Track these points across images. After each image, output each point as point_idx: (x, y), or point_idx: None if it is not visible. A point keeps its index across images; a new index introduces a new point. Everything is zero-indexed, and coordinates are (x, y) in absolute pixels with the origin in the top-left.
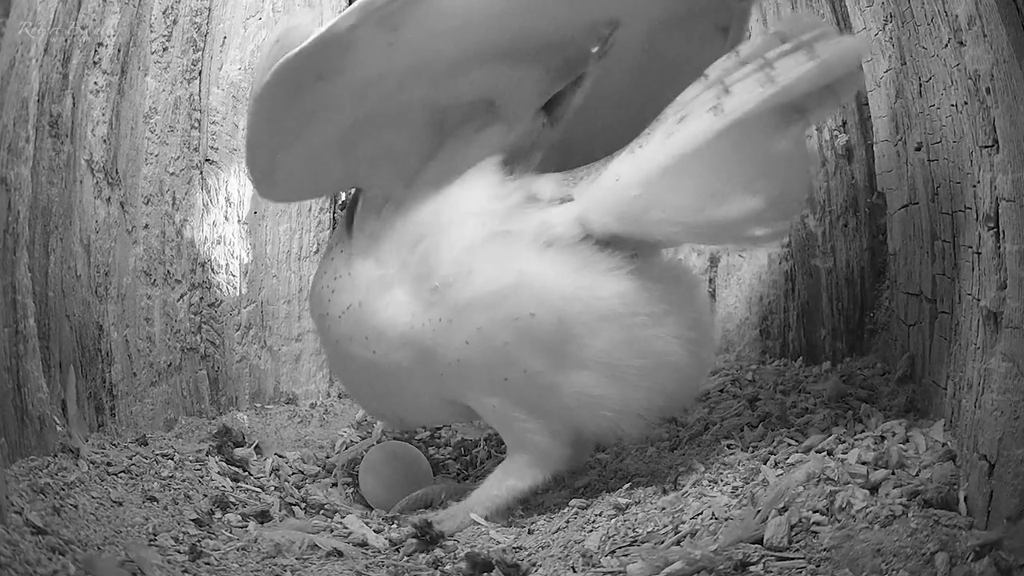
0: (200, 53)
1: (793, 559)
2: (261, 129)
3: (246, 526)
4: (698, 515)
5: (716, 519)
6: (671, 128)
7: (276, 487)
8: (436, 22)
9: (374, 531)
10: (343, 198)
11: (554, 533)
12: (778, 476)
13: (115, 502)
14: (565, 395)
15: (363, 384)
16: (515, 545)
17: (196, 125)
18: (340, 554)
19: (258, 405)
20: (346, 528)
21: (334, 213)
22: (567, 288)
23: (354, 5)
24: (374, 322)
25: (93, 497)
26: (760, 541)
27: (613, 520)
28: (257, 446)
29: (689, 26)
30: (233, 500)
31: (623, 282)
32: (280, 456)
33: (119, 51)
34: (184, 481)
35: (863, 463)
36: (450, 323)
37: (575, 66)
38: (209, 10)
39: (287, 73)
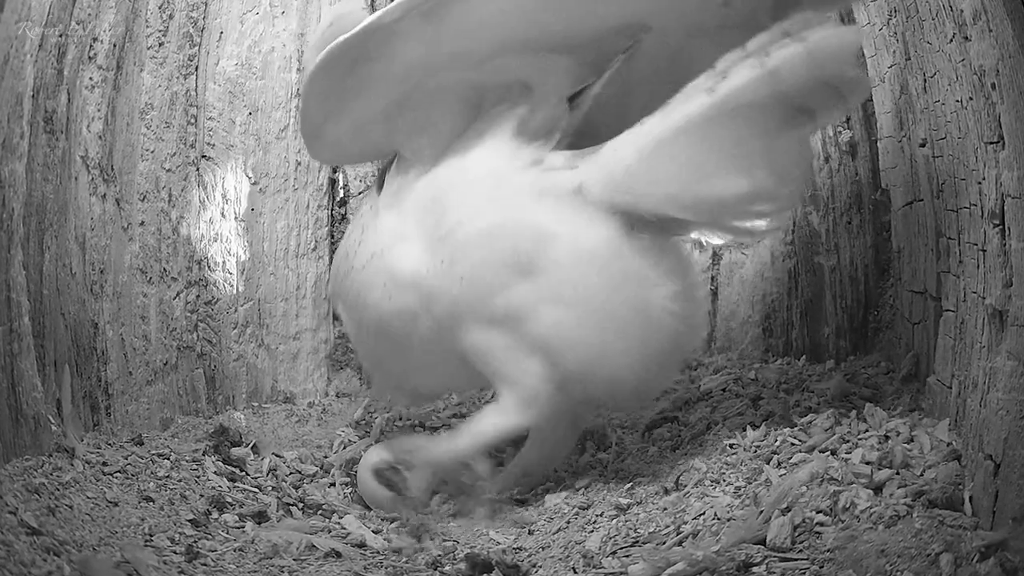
0: (196, 48)
1: (796, 560)
2: (313, 103)
3: (243, 526)
4: (700, 515)
5: (718, 519)
6: (671, 108)
7: (273, 487)
8: (474, 17)
9: (373, 531)
10: (341, 195)
11: (555, 534)
12: (781, 476)
13: (111, 502)
14: (543, 328)
15: (378, 343)
16: (515, 546)
17: (192, 121)
18: (338, 555)
19: (255, 404)
20: (344, 528)
21: (331, 210)
22: (555, 226)
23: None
24: (391, 267)
25: (88, 497)
26: (763, 542)
27: (614, 520)
28: (254, 446)
29: (718, 38)
30: (230, 500)
31: (611, 230)
32: (277, 456)
33: (115, 46)
34: (180, 481)
35: (867, 463)
36: (451, 264)
37: (607, 61)
38: (205, 5)
39: (337, 56)
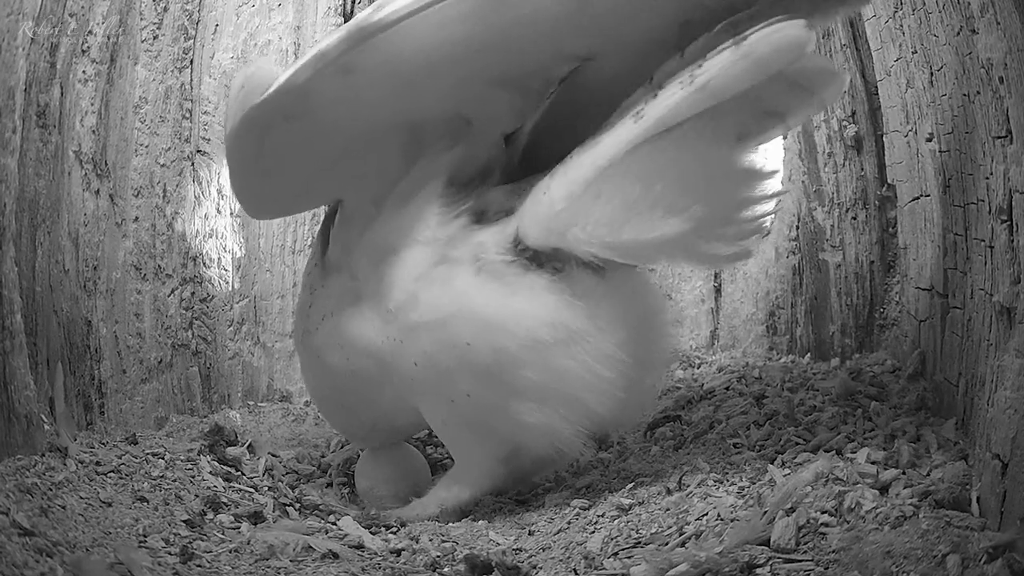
0: (191, 41)
1: (801, 561)
2: (238, 165)
3: (239, 527)
4: (703, 516)
5: (722, 520)
6: (600, 139)
7: (270, 487)
8: (395, 63)
9: (370, 533)
10: None
11: (555, 534)
12: (785, 476)
13: (104, 503)
14: (504, 421)
15: (343, 397)
16: (515, 547)
17: (187, 115)
18: (335, 556)
19: (251, 403)
20: (342, 530)
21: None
22: (497, 318)
23: (307, 57)
24: (346, 330)
25: (81, 497)
26: (767, 543)
27: (616, 521)
28: (250, 445)
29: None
30: (225, 500)
31: (550, 307)
32: (274, 455)
33: (108, 39)
34: (175, 481)
35: (873, 463)
36: (402, 343)
37: (549, 91)
38: None
39: (253, 121)
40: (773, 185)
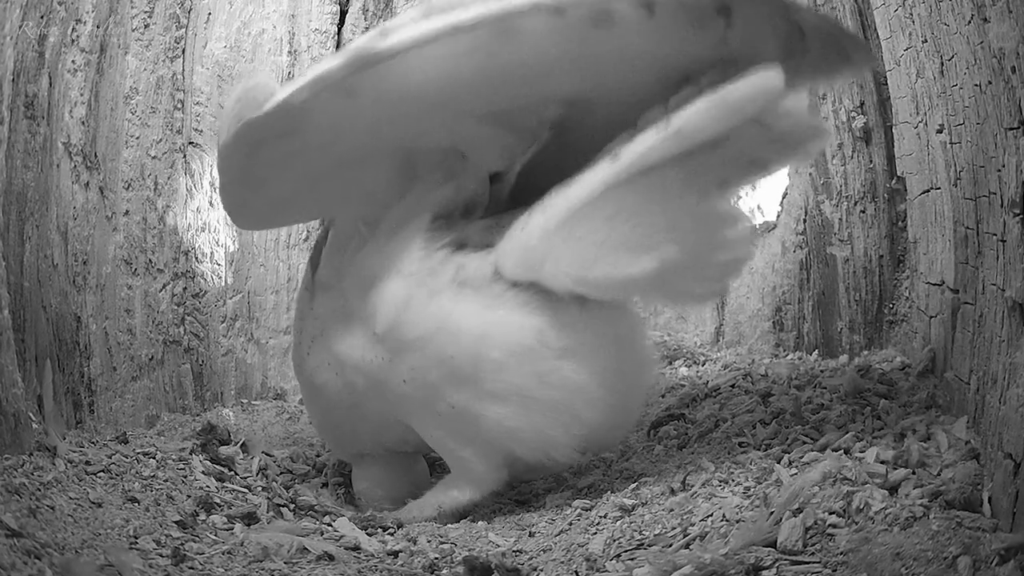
0: (183, 30)
1: (808, 563)
2: (228, 179)
3: (232, 528)
4: (708, 517)
5: (727, 521)
6: (578, 178)
7: (264, 487)
8: (395, 88)
9: (367, 534)
10: None
11: (556, 535)
12: (792, 476)
13: (94, 503)
14: (488, 427)
15: (334, 414)
16: (515, 548)
17: (179, 106)
18: (331, 558)
19: (245, 401)
20: (337, 531)
21: None
22: (479, 327)
23: (308, 77)
24: (336, 348)
25: (71, 498)
26: (773, 544)
27: (619, 522)
28: (243, 444)
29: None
30: (218, 501)
31: (533, 317)
32: (268, 455)
33: (98, 28)
34: (167, 481)
35: (882, 462)
36: (391, 362)
37: (542, 133)
38: None
39: (247, 135)
40: (750, 227)
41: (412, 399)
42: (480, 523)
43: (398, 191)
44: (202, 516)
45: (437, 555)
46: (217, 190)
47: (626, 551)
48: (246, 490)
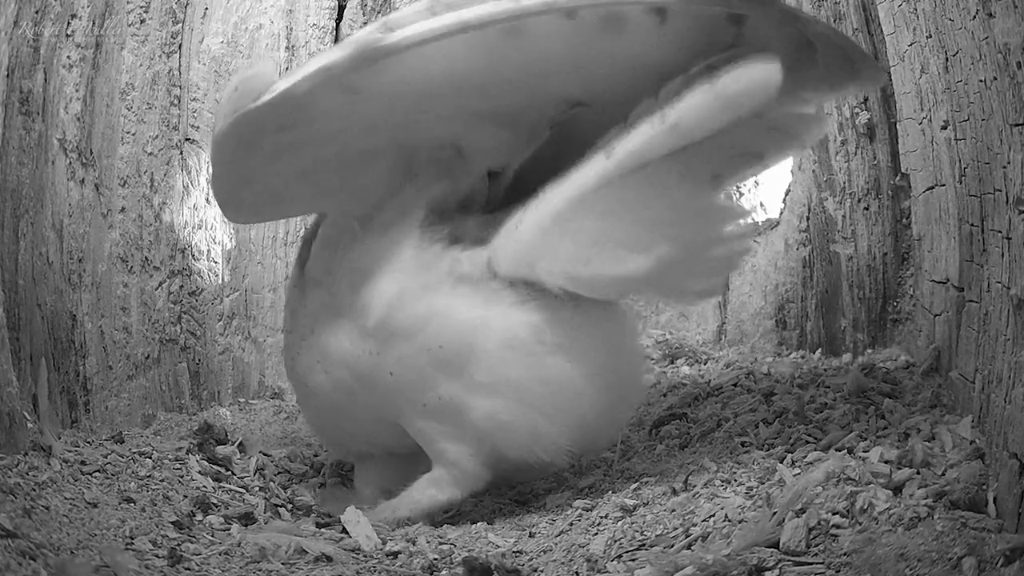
0: (180, 25)
1: (811, 564)
2: (221, 169)
3: (229, 529)
4: (710, 517)
5: (729, 521)
6: (572, 174)
7: (261, 487)
8: (398, 87)
9: (366, 535)
10: None
11: (557, 536)
12: (795, 476)
13: (89, 503)
14: (477, 420)
15: (323, 412)
16: (515, 549)
17: (176, 102)
18: (329, 559)
19: (242, 400)
20: (336, 531)
21: None
22: (473, 317)
23: (309, 69)
24: (324, 345)
25: (66, 498)
26: (776, 545)
27: (620, 522)
28: (241, 444)
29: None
30: (215, 501)
31: (530, 313)
32: (265, 454)
33: (94, 23)
34: (163, 481)
35: (886, 462)
36: (379, 355)
37: (542, 133)
38: None
39: (245, 124)
40: (747, 222)
41: (398, 391)
42: (480, 524)
43: (393, 187)
44: (199, 516)
45: (436, 556)
46: None
47: (627, 552)
48: (243, 490)
